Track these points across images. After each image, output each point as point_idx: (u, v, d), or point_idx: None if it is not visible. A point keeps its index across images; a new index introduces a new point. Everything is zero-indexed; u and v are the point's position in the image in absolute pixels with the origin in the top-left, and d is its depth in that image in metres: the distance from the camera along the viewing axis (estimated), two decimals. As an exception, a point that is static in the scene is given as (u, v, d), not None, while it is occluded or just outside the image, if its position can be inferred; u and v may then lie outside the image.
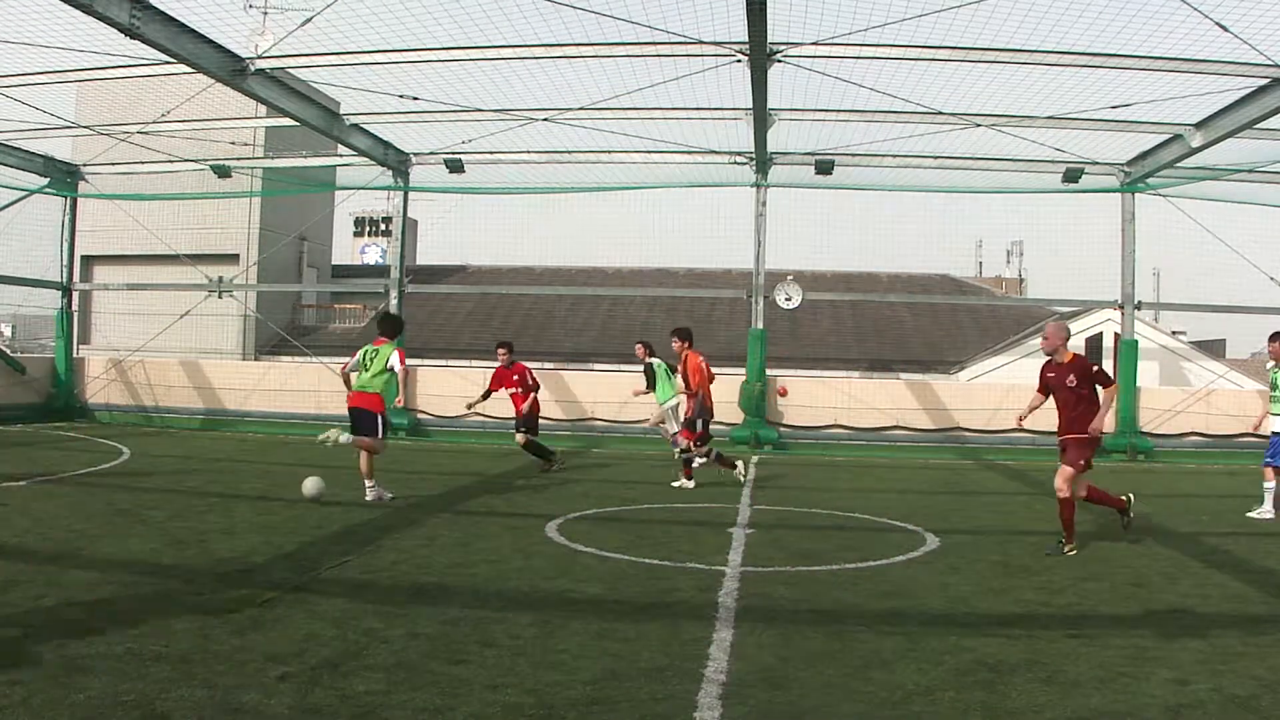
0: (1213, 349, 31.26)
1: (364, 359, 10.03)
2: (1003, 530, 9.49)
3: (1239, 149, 15.90)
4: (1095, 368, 8.21)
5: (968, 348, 29.46)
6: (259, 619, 5.38)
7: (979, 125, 15.74)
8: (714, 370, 12.40)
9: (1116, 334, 20.42)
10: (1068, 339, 8.35)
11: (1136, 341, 18.88)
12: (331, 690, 4.29)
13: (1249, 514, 10.34)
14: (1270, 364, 11.00)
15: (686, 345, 12.14)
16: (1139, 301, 19.02)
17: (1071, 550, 7.98)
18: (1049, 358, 8.35)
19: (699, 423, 11.98)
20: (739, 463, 12.31)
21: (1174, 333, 29.00)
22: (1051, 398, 8.34)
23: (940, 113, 15.34)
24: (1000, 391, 19.12)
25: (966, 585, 6.82)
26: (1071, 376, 8.09)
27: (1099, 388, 8.07)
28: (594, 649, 5.04)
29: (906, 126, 16.20)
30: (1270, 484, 10.32)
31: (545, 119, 16.50)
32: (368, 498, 9.82)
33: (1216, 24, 10.83)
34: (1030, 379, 9.34)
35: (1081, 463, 7.98)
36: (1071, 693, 4.51)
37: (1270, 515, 10.20)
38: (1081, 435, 7.97)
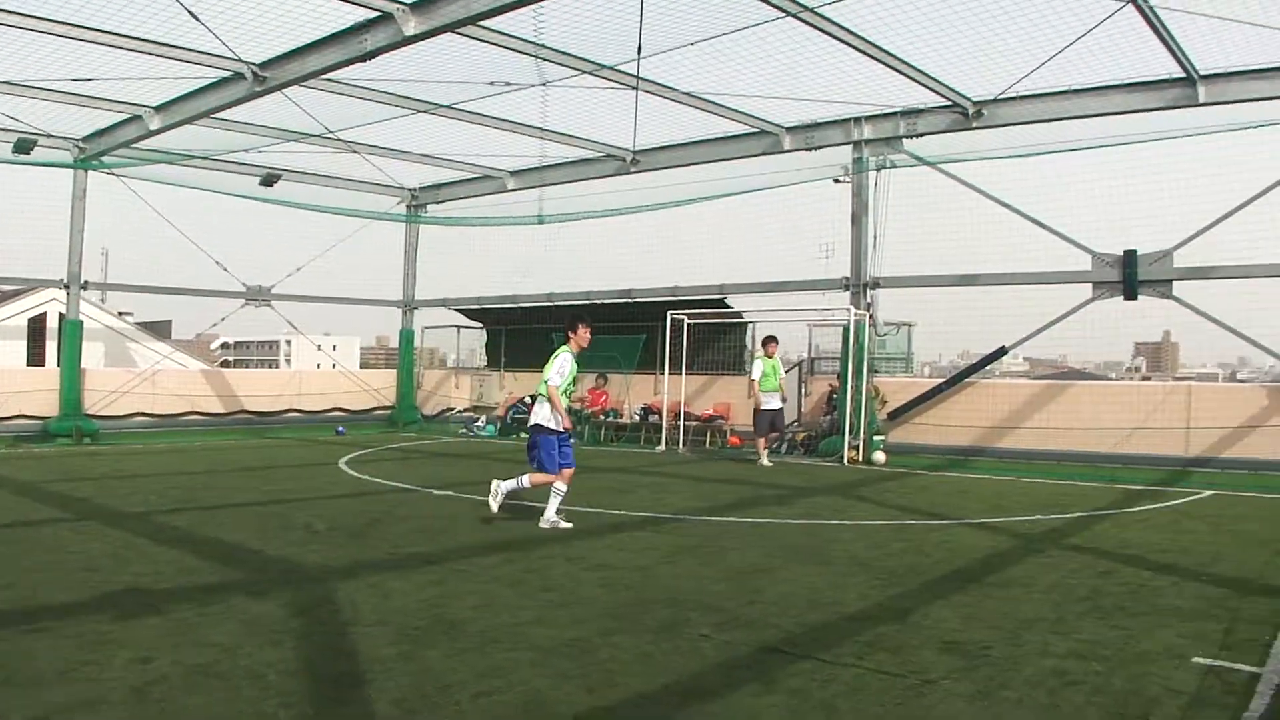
0: (159, 330, 32.36)
1: None
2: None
3: (197, 135, 16.61)
4: None
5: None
6: None
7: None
8: None
9: (61, 314, 19.70)
10: None
11: (81, 322, 18.58)
12: None
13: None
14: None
15: None
16: (85, 281, 18.70)
17: None
18: None
19: None
20: None
21: (121, 314, 29.23)
22: None
23: None
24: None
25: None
26: None
27: None
28: None
29: None
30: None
31: None
32: None
33: (189, 12, 10.86)
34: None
35: None
36: (35, 690, 4.26)
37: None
38: None
